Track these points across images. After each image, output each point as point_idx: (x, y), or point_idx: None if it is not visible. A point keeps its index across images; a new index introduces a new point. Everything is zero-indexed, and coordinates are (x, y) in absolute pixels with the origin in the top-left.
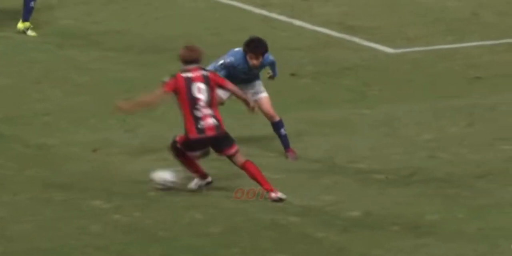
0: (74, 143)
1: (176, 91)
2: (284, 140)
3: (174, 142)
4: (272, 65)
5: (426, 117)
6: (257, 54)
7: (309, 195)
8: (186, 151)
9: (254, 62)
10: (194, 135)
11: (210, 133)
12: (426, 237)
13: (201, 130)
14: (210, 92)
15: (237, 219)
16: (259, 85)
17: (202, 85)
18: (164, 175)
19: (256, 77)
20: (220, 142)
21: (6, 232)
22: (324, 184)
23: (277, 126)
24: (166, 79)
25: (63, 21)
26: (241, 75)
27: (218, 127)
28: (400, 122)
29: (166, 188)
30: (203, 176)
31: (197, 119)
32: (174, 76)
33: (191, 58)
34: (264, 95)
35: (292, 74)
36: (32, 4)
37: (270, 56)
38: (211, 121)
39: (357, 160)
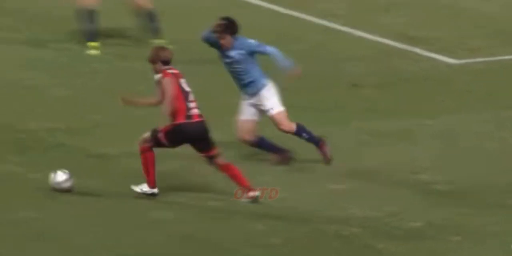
0: (135, 153)
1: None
2: (311, 140)
3: (155, 131)
4: (261, 52)
5: (488, 127)
6: (220, 33)
7: (370, 206)
8: (168, 141)
9: (222, 41)
10: (182, 120)
11: (196, 118)
12: (487, 248)
13: (189, 117)
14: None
15: (299, 230)
16: (265, 99)
17: (185, 81)
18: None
19: (245, 73)
20: (205, 137)
21: (67, 243)
22: (385, 195)
23: (297, 134)
24: (157, 77)
25: (123, 32)
26: (226, 67)
27: (202, 115)
28: (461, 133)
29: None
30: (154, 183)
31: (189, 109)
32: (163, 74)
33: (168, 58)
34: (273, 112)
35: (354, 85)
36: (154, 24)
37: (249, 40)
38: (197, 110)
39: (418, 170)
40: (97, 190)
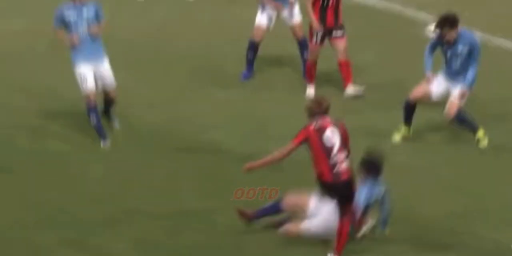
0: None
1: (307, 141)
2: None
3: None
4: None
5: None
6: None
7: None
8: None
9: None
10: (329, 179)
11: (343, 177)
12: None
13: (336, 175)
14: (341, 135)
15: None
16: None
17: (334, 129)
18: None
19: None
20: (351, 190)
21: None
22: None
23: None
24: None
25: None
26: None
27: (348, 170)
28: None
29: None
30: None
31: (333, 166)
32: (305, 128)
33: (321, 110)
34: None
35: None
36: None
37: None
38: (344, 165)
39: None
40: None
